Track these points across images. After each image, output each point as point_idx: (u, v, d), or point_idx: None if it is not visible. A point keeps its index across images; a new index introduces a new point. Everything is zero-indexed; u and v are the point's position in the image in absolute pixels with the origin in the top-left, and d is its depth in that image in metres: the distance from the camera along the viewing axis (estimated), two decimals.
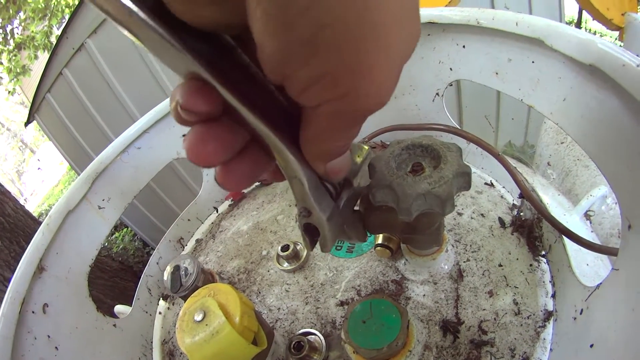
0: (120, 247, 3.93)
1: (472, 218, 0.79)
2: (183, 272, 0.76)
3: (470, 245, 0.74)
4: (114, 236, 4.23)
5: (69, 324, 0.73)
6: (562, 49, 0.55)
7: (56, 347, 0.68)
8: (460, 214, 0.80)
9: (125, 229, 4.21)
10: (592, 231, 0.82)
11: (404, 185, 0.46)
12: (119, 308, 0.89)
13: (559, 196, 0.88)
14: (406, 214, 0.46)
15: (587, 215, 0.83)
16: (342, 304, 0.72)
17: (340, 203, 0.44)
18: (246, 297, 0.60)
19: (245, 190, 1.08)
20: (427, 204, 0.46)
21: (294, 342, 0.65)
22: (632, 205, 0.46)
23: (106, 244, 3.95)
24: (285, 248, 0.79)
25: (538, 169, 1.34)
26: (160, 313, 0.89)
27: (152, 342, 0.85)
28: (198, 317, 0.55)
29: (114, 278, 2.46)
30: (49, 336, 0.68)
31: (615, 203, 0.98)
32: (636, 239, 0.45)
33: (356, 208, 0.52)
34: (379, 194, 0.47)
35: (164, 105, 0.93)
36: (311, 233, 0.43)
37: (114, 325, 0.81)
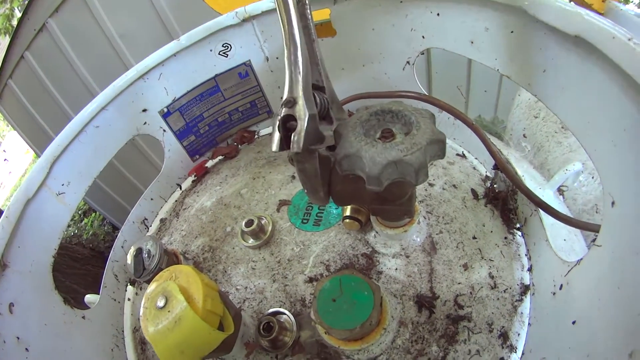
0: (90, 233, 3.83)
1: (444, 189, 0.77)
2: (146, 255, 0.71)
3: (443, 217, 0.72)
4: (83, 222, 4.13)
5: (37, 322, 0.69)
6: (546, 19, 0.53)
7: (26, 349, 0.64)
8: (431, 185, 0.78)
9: (94, 214, 4.10)
10: (567, 207, 0.82)
11: (372, 153, 0.43)
12: (89, 298, 0.84)
13: (532, 170, 0.86)
14: (375, 184, 0.43)
15: (560, 191, 0.82)
16: (310, 280, 0.70)
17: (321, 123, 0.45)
18: (209, 278, 0.57)
19: (208, 165, 1.05)
20: (399, 172, 0.43)
21: (263, 323, 0.62)
22: (616, 182, 0.45)
23: (76, 230, 3.86)
24: (249, 223, 0.75)
25: (509, 143, 1.33)
26: (129, 299, 0.85)
27: (123, 331, 0.82)
28: (160, 303, 0.51)
29: (86, 266, 2.40)
30: (18, 337, 0.64)
31: (593, 177, 0.99)
32: (620, 216, 0.44)
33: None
34: (345, 162, 0.44)
35: (122, 81, 0.88)
36: (286, 129, 0.42)
37: (83, 317, 0.77)
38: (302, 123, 0.40)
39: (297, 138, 0.41)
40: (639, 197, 0.41)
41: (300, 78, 0.41)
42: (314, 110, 0.42)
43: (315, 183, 0.48)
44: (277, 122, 0.42)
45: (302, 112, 0.40)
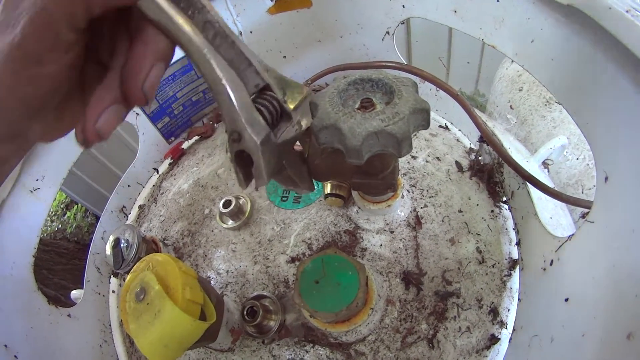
0: (74, 226, 3.77)
1: (427, 162, 0.75)
2: (124, 245, 0.69)
3: (427, 190, 0.71)
4: (66, 216, 4.06)
5: (23, 327, 0.67)
6: None
7: (15, 356, 0.62)
8: (414, 158, 0.76)
9: (76, 206, 4.04)
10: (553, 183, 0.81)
11: (351, 124, 0.40)
12: (75, 293, 0.82)
13: (517, 143, 0.85)
14: (356, 156, 0.41)
15: (545, 164, 0.81)
16: (293, 260, 0.68)
17: (277, 133, 0.39)
18: (187, 266, 0.54)
19: (184, 146, 1.01)
20: (380, 143, 0.40)
21: (247, 308, 0.60)
22: (609, 157, 0.44)
23: (59, 225, 3.80)
24: (227, 204, 0.72)
25: (493, 115, 1.32)
26: (113, 292, 0.83)
27: (110, 326, 0.80)
28: (139, 296, 0.49)
29: (73, 260, 2.35)
30: (6, 346, 0.62)
31: (577, 158, 0.98)
32: (614, 192, 0.43)
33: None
34: (322, 134, 0.41)
35: None
36: (244, 164, 0.38)
37: (69, 315, 0.75)
38: (257, 157, 0.37)
39: (258, 172, 0.38)
40: (634, 174, 0.40)
41: (236, 106, 0.36)
42: (262, 134, 0.37)
43: (293, 182, 0.46)
44: (233, 161, 0.38)
45: (252, 144, 0.36)
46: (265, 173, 0.37)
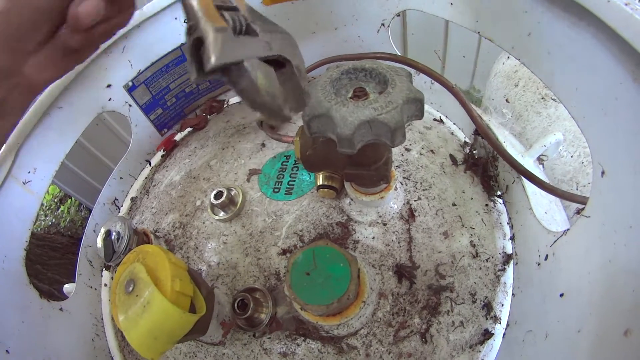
0: (68, 220, 3.76)
1: (421, 154, 0.74)
2: (114, 237, 0.68)
3: (421, 183, 0.70)
4: (59, 210, 4.05)
5: (14, 321, 0.66)
6: None
7: (7, 351, 0.61)
8: (408, 150, 0.75)
9: (69, 200, 4.02)
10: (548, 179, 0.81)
11: (344, 112, 0.39)
12: (67, 287, 0.81)
13: (512, 137, 0.85)
14: (348, 146, 0.40)
15: (539, 160, 0.81)
16: (284, 252, 0.67)
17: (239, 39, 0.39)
18: (176, 257, 0.53)
19: (177, 138, 1.01)
20: (373, 133, 0.40)
21: (237, 301, 0.60)
22: (606, 151, 0.44)
23: (53, 219, 3.78)
24: (218, 195, 0.71)
25: (488, 110, 1.31)
26: (105, 285, 0.82)
27: (102, 319, 0.79)
28: (128, 288, 0.48)
29: (67, 254, 2.34)
30: None
31: (572, 156, 0.98)
32: (610, 187, 0.43)
33: None
34: (314, 123, 0.41)
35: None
36: (199, 57, 0.37)
37: (60, 309, 0.74)
38: (209, 37, 0.36)
39: (207, 52, 0.36)
40: (631, 168, 0.40)
41: (193, 2, 0.37)
42: (222, 24, 0.37)
43: (261, 97, 0.43)
44: (188, 50, 0.37)
45: (207, 28, 0.36)
46: (214, 54, 0.36)
